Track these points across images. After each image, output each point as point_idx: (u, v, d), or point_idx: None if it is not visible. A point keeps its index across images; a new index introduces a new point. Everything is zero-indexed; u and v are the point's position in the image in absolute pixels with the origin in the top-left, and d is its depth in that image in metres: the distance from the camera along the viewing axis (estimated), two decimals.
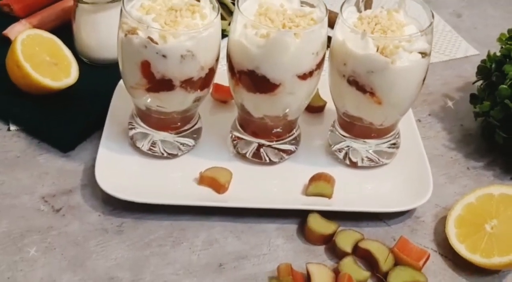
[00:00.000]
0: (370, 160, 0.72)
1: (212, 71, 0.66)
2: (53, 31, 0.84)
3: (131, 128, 0.73)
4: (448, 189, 0.74)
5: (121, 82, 0.79)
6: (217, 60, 0.67)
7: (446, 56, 0.96)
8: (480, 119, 0.81)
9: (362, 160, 0.72)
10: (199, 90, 0.66)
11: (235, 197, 0.68)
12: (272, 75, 0.64)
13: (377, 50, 0.63)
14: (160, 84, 0.64)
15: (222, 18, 0.95)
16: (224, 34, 0.69)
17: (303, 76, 0.65)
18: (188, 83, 0.64)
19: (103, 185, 0.67)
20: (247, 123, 0.72)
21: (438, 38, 1.00)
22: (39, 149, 0.75)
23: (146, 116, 0.70)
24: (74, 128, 0.75)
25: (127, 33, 0.62)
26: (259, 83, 0.65)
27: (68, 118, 0.76)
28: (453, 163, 0.77)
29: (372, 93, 0.65)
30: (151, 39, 0.61)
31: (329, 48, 0.68)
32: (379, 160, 0.72)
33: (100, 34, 0.84)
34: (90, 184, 0.70)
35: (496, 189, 0.67)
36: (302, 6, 0.68)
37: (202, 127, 0.74)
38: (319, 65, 0.66)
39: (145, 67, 0.63)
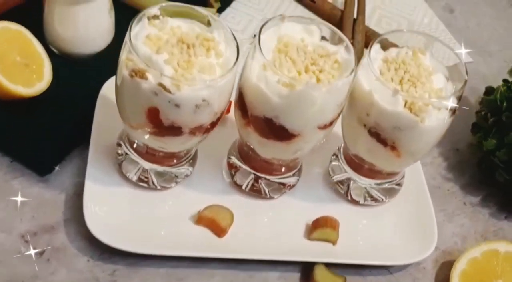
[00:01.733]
0: (373, 199, 0.69)
1: (223, 113, 0.59)
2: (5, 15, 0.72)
3: (120, 154, 0.66)
4: (447, 228, 0.72)
5: (105, 87, 0.70)
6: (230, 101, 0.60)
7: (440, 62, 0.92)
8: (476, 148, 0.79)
9: (365, 198, 0.69)
10: (207, 133, 0.59)
11: (235, 242, 0.64)
12: (291, 126, 0.58)
13: (405, 105, 0.58)
14: (167, 130, 0.57)
15: (210, 4, 0.86)
16: None
17: (324, 127, 0.59)
18: (198, 129, 0.58)
19: (92, 228, 0.60)
20: (248, 158, 0.66)
21: None
22: (12, 170, 0.66)
23: (140, 148, 0.63)
24: (51, 146, 0.67)
25: (133, 75, 0.54)
26: (275, 131, 0.59)
27: (44, 134, 0.67)
28: (451, 197, 0.76)
29: (393, 147, 0.61)
30: (164, 87, 0.53)
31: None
32: (382, 199, 0.69)
33: (78, 27, 0.73)
34: (74, 217, 0.63)
35: (502, 245, 0.66)
36: (322, 40, 0.61)
37: (197, 149, 0.68)
38: (340, 113, 0.60)
39: (153, 113, 0.55)
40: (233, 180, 0.68)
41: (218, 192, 0.68)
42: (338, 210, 0.69)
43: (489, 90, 0.79)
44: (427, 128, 0.59)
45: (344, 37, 0.60)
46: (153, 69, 0.53)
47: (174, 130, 0.56)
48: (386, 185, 0.69)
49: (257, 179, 0.67)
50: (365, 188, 0.69)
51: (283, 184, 0.68)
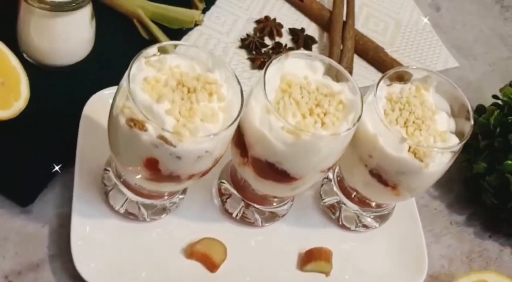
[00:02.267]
0: (364, 225, 0.69)
1: (222, 156, 0.56)
2: None
3: (106, 184, 0.62)
4: (434, 250, 0.73)
5: (88, 106, 0.66)
6: None
7: (426, 67, 0.91)
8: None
9: (356, 224, 0.69)
10: (205, 175, 0.57)
11: (228, 278, 0.62)
12: (294, 171, 0.56)
13: (409, 149, 0.57)
14: (165, 178, 0.53)
15: (194, 6, 0.82)
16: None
17: (326, 170, 0.57)
18: (197, 174, 0.55)
19: (80, 267, 0.58)
20: (241, 187, 0.64)
21: (418, 42, 0.93)
22: None
23: (128, 182, 0.59)
24: (32, 173, 0.63)
25: (131, 125, 0.50)
26: (276, 174, 0.57)
27: (23, 160, 0.63)
28: (438, 216, 0.76)
29: (394, 188, 0.60)
30: (165, 140, 0.49)
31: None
32: (374, 225, 0.69)
33: (58, 39, 0.68)
34: (60, 252, 0.60)
35: (491, 277, 0.67)
36: (325, 75, 0.58)
37: None
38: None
39: (151, 163, 0.51)
40: (224, 207, 0.66)
41: (209, 219, 0.66)
42: (329, 236, 0.68)
43: (480, 109, 0.78)
44: (431, 172, 0.58)
45: (349, 76, 0.57)
46: (154, 120, 0.49)
47: (173, 178, 0.53)
48: (380, 213, 0.68)
49: (248, 206, 0.65)
50: (356, 214, 0.68)
51: (276, 214, 0.66)
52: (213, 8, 0.85)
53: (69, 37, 0.68)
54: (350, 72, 0.82)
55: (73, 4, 0.64)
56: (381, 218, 0.69)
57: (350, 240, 0.69)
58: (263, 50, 0.83)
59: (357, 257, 0.68)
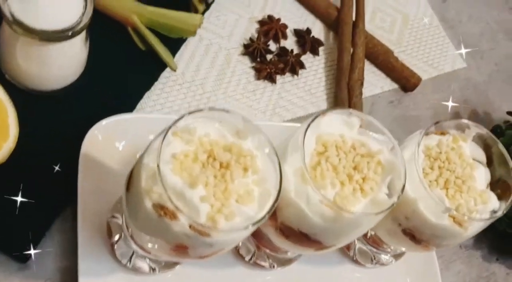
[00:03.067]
0: (380, 263, 0.66)
1: None
2: None
3: (111, 233, 0.57)
4: (445, 278, 0.71)
5: (87, 142, 0.59)
6: None
7: (434, 69, 0.86)
8: None
9: (372, 261, 0.66)
10: None
11: None
12: (330, 242, 0.52)
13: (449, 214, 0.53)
14: (190, 257, 0.48)
15: (193, 9, 0.73)
16: None
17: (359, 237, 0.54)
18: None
19: None
20: (258, 236, 0.59)
21: (426, 39, 0.88)
22: None
23: (144, 248, 0.54)
24: (29, 226, 0.56)
25: (161, 213, 0.44)
26: (308, 242, 0.52)
27: (18, 210, 0.56)
28: None
29: (425, 245, 0.57)
30: (199, 232, 0.43)
31: None
32: (389, 262, 0.66)
33: (50, 65, 0.59)
34: None
35: None
36: (360, 128, 0.53)
37: None
38: None
39: (180, 248, 0.46)
40: (238, 250, 0.62)
41: (222, 265, 0.62)
42: (345, 273, 0.65)
43: (498, 132, 0.74)
44: (468, 234, 0.55)
45: (387, 133, 0.52)
46: (187, 209, 0.43)
47: (199, 258, 0.48)
48: (394, 252, 0.66)
49: (259, 249, 0.61)
50: (371, 253, 0.65)
51: (290, 259, 0.62)
52: (212, 6, 0.77)
53: (61, 63, 0.59)
54: (362, 84, 0.77)
55: (67, 34, 0.55)
56: (397, 256, 0.66)
57: (365, 274, 0.67)
58: (268, 57, 0.76)
59: None
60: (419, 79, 0.81)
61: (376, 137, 0.53)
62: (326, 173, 0.50)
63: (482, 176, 0.56)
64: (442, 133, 0.57)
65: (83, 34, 0.58)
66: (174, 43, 0.71)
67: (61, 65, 0.59)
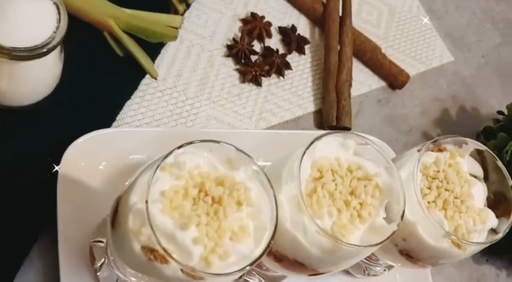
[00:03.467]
0: (373, 274, 0.64)
1: None
2: None
3: (94, 258, 0.54)
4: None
5: (65, 162, 0.56)
6: None
7: (422, 63, 0.84)
8: None
9: (364, 272, 0.64)
10: None
11: None
12: (325, 270, 0.50)
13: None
14: None
15: (173, 9, 0.69)
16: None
17: None
18: None
19: None
20: None
21: (413, 33, 0.85)
22: None
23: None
24: (6, 254, 0.53)
25: (150, 257, 0.41)
26: (303, 269, 0.50)
27: None
28: None
29: (422, 265, 0.55)
30: (192, 276, 0.41)
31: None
32: (381, 272, 0.65)
33: (24, 82, 0.55)
34: None
35: None
36: (361, 141, 0.51)
37: None
38: None
39: None
40: None
41: None
42: None
43: (488, 133, 0.73)
44: (467, 254, 0.53)
45: (386, 156, 0.50)
46: (179, 253, 0.40)
47: None
48: (387, 264, 0.64)
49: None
50: (364, 264, 0.64)
51: (279, 276, 0.60)
52: (192, 5, 0.72)
53: (34, 79, 0.55)
54: (350, 85, 0.74)
55: (39, 52, 0.50)
56: (390, 266, 0.65)
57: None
58: (253, 58, 0.72)
59: None
60: (407, 77, 0.79)
61: (372, 157, 0.51)
62: (322, 200, 0.47)
63: (480, 192, 0.55)
64: (439, 150, 0.54)
65: (57, 48, 0.53)
66: (154, 48, 0.67)
67: (34, 81, 0.55)
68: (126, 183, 0.46)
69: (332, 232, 0.47)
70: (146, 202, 0.40)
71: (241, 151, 0.45)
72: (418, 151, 0.54)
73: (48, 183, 0.55)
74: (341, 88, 0.73)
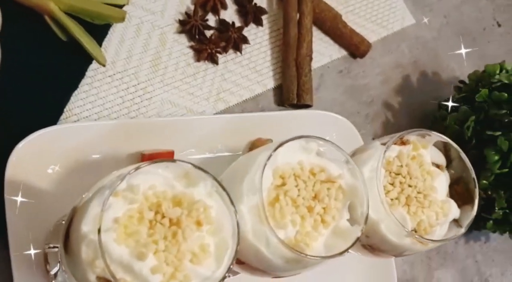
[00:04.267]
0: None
1: None
2: None
3: (49, 264, 0.52)
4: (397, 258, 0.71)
5: (12, 166, 0.52)
6: None
7: (384, 28, 0.81)
8: None
9: None
10: None
11: None
12: (289, 275, 0.49)
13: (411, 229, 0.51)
14: None
15: None
16: None
17: None
18: None
19: None
20: None
21: None
22: None
23: None
24: None
25: None
26: (265, 275, 0.49)
27: None
28: None
29: (385, 256, 0.55)
30: None
31: None
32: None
33: None
34: None
35: None
36: (324, 143, 0.48)
37: None
38: None
39: None
40: None
41: None
42: None
43: (446, 107, 0.71)
44: (429, 247, 0.53)
45: (348, 158, 0.48)
46: None
47: None
48: None
49: None
50: None
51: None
52: None
53: None
54: (311, 59, 0.71)
55: None
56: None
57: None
58: (208, 34, 0.68)
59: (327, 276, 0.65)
60: (368, 46, 0.76)
61: (336, 156, 0.49)
62: (285, 208, 0.45)
63: (442, 183, 0.54)
64: (403, 143, 0.53)
65: None
66: (100, 29, 0.62)
67: None
68: (84, 195, 0.43)
69: (296, 241, 0.46)
70: (99, 232, 0.37)
71: (199, 168, 0.42)
72: (382, 144, 0.52)
73: None
74: (301, 63, 0.70)
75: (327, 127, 0.68)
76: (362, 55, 0.76)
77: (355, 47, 0.76)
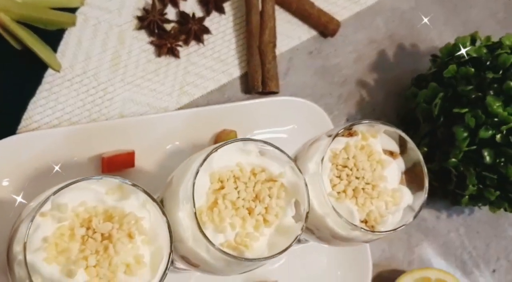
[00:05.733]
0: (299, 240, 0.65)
1: None
2: None
3: None
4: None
5: None
6: None
7: (356, 3, 0.79)
8: None
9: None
10: None
11: None
12: (235, 274, 0.49)
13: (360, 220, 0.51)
14: None
15: None
16: None
17: None
18: None
19: None
20: None
21: None
22: None
23: None
24: None
25: None
26: (215, 275, 0.50)
27: None
28: None
29: (343, 245, 0.55)
30: None
31: None
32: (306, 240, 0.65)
33: None
34: None
35: (433, 273, 0.67)
36: (262, 145, 0.48)
37: None
38: None
39: None
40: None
41: None
42: None
43: (420, 80, 0.70)
44: (382, 235, 0.53)
45: (289, 157, 0.48)
46: None
47: None
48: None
49: None
50: None
51: None
52: None
53: None
54: (274, 46, 0.70)
55: None
56: None
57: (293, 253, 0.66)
58: (168, 27, 0.68)
59: (303, 262, 0.66)
60: (337, 24, 0.75)
61: (278, 155, 0.49)
62: (224, 212, 0.46)
63: (394, 171, 0.53)
64: (350, 135, 0.52)
65: None
66: (55, 35, 0.62)
67: None
68: (21, 213, 0.45)
69: (236, 244, 0.46)
70: (25, 256, 0.39)
71: (126, 182, 0.43)
72: (329, 136, 0.52)
73: None
74: (264, 51, 0.69)
75: (295, 113, 0.68)
76: (332, 34, 0.75)
77: (324, 27, 0.74)
